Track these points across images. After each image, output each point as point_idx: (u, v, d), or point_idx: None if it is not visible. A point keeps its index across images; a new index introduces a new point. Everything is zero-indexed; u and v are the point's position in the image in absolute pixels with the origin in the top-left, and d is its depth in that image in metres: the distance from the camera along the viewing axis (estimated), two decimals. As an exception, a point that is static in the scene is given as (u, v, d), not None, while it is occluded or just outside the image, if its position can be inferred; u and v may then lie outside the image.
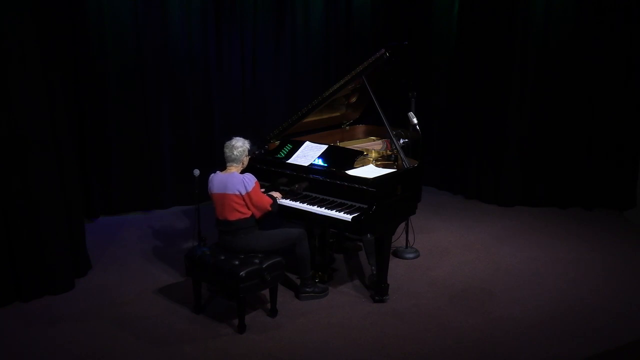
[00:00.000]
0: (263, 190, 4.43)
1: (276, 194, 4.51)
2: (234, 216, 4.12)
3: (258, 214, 4.20)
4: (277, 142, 5.09)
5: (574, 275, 4.96)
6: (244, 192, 4.07)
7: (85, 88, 6.13)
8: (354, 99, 5.50)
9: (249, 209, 4.14)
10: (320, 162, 4.64)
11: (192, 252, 4.25)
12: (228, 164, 4.20)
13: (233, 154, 4.16)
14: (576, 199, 6.74)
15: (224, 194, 4.11)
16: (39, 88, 4.30)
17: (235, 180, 4.09)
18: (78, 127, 6.08)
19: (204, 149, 6.85)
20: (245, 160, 4.24)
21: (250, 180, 4.11)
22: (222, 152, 4.23)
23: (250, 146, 4.29)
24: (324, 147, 4.74)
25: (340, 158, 4.59)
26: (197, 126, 6.81)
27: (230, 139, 4.25)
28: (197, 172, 4.81)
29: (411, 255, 5.34)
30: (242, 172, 4.21)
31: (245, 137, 4.28)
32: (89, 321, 4.18)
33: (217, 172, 4.23)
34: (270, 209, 4.21)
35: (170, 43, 6.48)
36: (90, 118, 6.22)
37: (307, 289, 4.52)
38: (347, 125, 5.69)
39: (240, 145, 4.18)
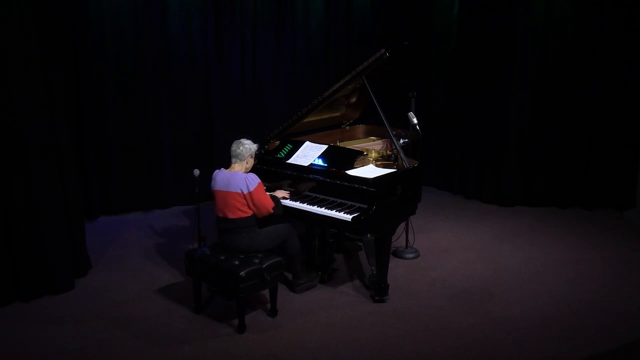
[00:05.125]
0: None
1: (282, 193, 4.50)
2: (235, 214, 4.12)
3: (260, 215, 4.20)
4: (277, 142, 5.09)
5: (574, 275, 4.96)
6: (245, 191, 4.08)
7: (85, 88, 6.13)
8: (354, 99, 5.50)
9: (250, 208, 4.14)
10: (320, 162, 4.64)
11: (192, 252, 4.25)
12: (232, 160, 4.21)
13: (239, 149, 4.18)
14: (576, 199, 6.74)
15: (226, 192, 4.11)
16: (39, 88, 4.30)
17: (238, 179, 4.10)
18: (78, 127, 6.08)
19: (203, 149, 6.84)
20: (250, 161, 4.25)
21: (253, 180, 4.11)
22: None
23: (257, 150, 4.33)
24: (324, 147, 4.74)
25: (340, 158, 4.59)
26: (197, 126, 6.81)
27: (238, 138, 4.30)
28: (197, 172, 4.81)
29: (411, 255, 5.34)
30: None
31: (245, 138, 4.30)
32: (89, 321, 4.18)
33: (222, 169, 4.24)
34: (272, 211, 4.20)
35: (170, 43, 6.48)
36: (90, 118, 6.22)
37: (301, 281, 4.57)
38: (347, 125, 5.69)
39: (247, 143, 4.22)
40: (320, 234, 4.87)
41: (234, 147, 4.21)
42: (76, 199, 4.78)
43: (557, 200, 6.78)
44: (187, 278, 4.53)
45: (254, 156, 4.28)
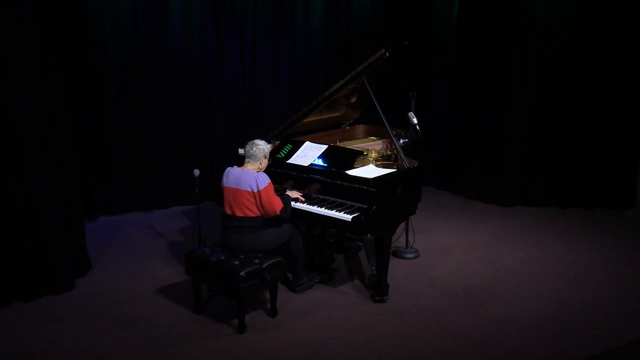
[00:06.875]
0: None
1: (295, 194, 4.49)
2: (243, 213, 4.13)
3: (266, 215, 4.19)
4: (277, 142, 5.09)
5: (574, 275, 4.96)
6: (255, 190, 4.09)
7: (85, 88, 6.13)
8: (354, 99, 5.50)
9: (258, 208, 4.15)
10: (320, 162, 4.64)
11: (192, 252, 4.25)
12: (246, 160, 4.26)
13: (252, 149, 4.22)
14: (576, 199, 6.74)
15: (236, 189, 4.14)
16: (39, 88, 4.30)
17: (248, 177, 4.12)
18: (78, 127, 6.08)
19: (203, 149, 6.84)
20: (264, 161, 4.28)
21: (264, 179, 4.12)
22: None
23: (270, 151, 4.37)
24: (324, 147, 4.74)
25: (340, 158, 4.59)
26: (197, 126, 6.80)
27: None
28: (197, 172, 4.82)
29: (411, 255, 5.34)
30: None
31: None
32: (89, 321, 4.18)
33: (235, 167, 4.26)
34: (278, 213, 4.18)
35: (170, 43, 6.48)
36: (90, 118, 6.22)
37: (302, 281, 4.59)
38: (347, 125, 5.69)
39: (261, 144, 4.26)
40: (321, 234, 4.87)
41: (247, 148, 4.25)
42: (76, 199, 4.78)
43: (557, 200, 6.77)
44: (187, 278, 4.53)
45: (267, 156, 4.32)
